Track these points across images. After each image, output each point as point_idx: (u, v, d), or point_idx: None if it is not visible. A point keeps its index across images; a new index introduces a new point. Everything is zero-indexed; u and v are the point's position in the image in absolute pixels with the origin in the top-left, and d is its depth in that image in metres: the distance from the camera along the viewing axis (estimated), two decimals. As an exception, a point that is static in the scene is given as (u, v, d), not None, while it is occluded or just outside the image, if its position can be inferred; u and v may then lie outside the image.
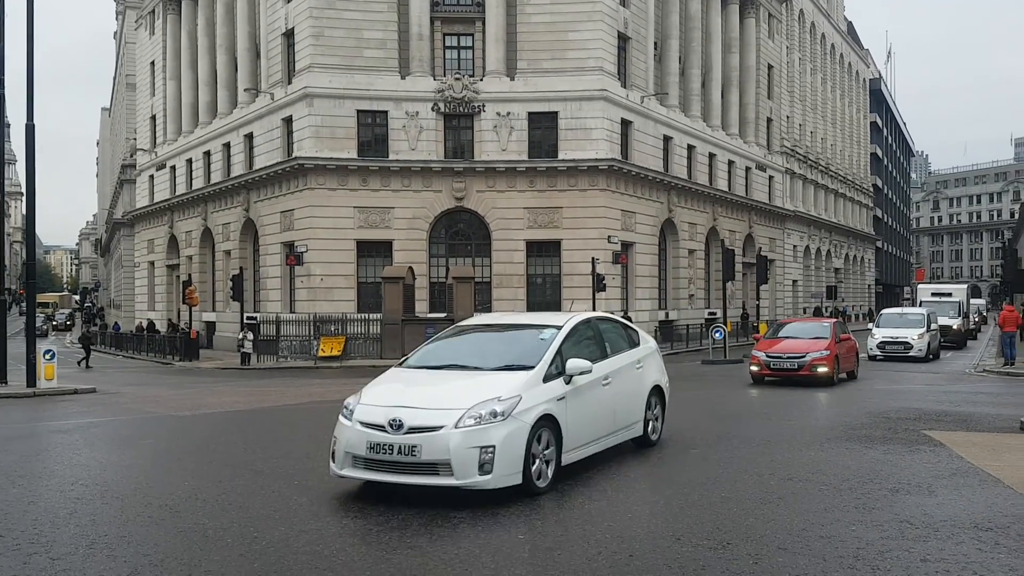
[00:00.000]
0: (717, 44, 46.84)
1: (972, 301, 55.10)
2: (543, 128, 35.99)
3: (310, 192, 35.15)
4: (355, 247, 35.21)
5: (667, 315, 41.22)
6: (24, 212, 25.30)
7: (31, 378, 20.47)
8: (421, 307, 33.62)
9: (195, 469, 9.40)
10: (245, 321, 34.04)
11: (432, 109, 35.41)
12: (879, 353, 28.37)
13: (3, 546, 6.38)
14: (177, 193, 47.83)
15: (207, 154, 44.24)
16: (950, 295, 42.00)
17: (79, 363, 33.19)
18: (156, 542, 6.44)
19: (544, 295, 35.93)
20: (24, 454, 11.03)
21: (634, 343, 10.16)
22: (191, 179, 46.31)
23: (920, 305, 37.31)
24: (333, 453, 7.73)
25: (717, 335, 29.52)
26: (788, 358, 19.27)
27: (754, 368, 19.89)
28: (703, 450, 10.43)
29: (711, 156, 46.14)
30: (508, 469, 7.21)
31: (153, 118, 53.19)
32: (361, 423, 7.52)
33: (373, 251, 35.37)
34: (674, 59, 42.80)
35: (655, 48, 41.46)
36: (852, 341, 21.60)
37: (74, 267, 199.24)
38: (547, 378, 7.97)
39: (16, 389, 20.10)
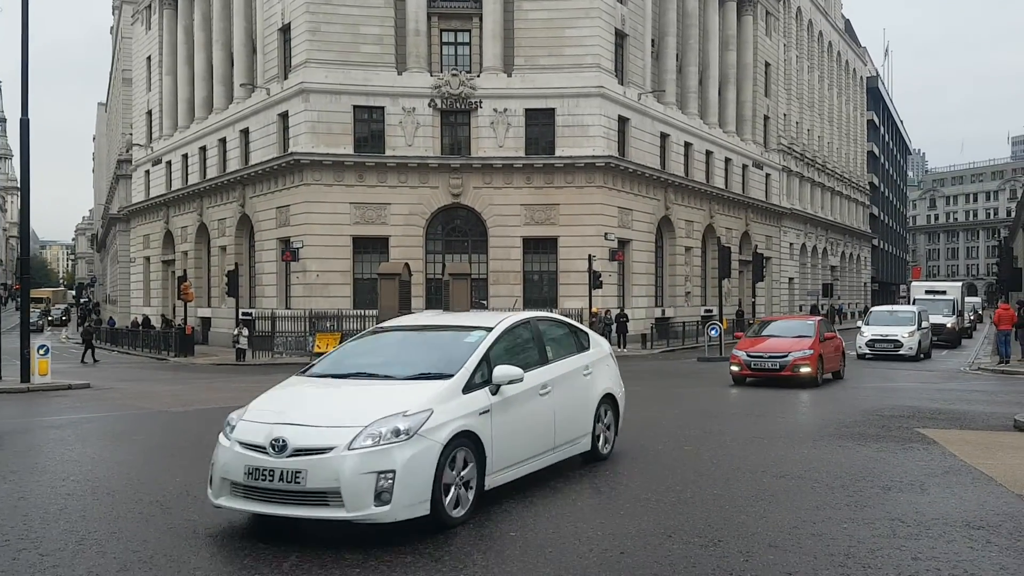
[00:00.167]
0: (714, 41, 46.82)
1: (968, 299, 55.05)
2: (540, 125, 35.94)
3: (306, 188, 35.09)
4: (351, 243, 35.16)
5: (663, 313, 41.23)
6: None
7: (25, 374, 20.44)
8: (417, 304, 33.54)
9: (187, 465, 9.37)
10: (240, 317, 33.98)
11: (429, 105, 35.35)
12: (868, 352, 27.94)
13: (-8, 542, 6.35)
14: (173, 188, 47.74)
15: (203, 149, 44.16)
16: (944, 293, 41.37)
17: (83, 359, 33.07)
18: (146, 539, 6.42)
19: (541, 292, 35.91)
20: (16, 450, 11.00)
21: (582, 347, 9.07)
22: (187, 174, 46.21)
23: (914, 303, 36.75)
24: (210, 479, 6.55)
25: (713, 332, 29.56)
26: (770, 358, 18.59)
27: (734, 368, 19.21)
28: (695, 446, 10.43)
29: (708, 154, 46.14)
30: (412, 497, 6.09)
31: (149, 113, 53.10)
32: (240, 443, 6.38)
33: (369, 247, 35.32)
34: (671, 56, 42.77)
35: (652, 45, 41.43)
36: (838, 340, 21.04)
37: (70, 262, 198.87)
38: (469, 388, 6.92)
39: (10, 384, 20.08)
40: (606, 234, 35.54)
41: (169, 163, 48.63)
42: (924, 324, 29.07)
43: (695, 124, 44.63)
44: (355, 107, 35.23)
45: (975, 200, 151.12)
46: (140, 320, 47.16)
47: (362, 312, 32.42)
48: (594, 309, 32.25)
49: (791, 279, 59.62)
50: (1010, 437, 11.30)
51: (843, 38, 76.17)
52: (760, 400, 15.97)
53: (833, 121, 71.87)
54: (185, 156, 46.35)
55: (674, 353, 34.63)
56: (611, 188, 36.55)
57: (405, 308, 31.10)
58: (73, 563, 5.81)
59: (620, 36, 38.20)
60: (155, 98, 51.40)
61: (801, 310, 57.29)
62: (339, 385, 7.24)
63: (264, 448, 6.19)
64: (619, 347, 33.50)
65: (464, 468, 6.62)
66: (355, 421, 6.24)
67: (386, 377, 7.22)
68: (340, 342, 30.78)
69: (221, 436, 6.65)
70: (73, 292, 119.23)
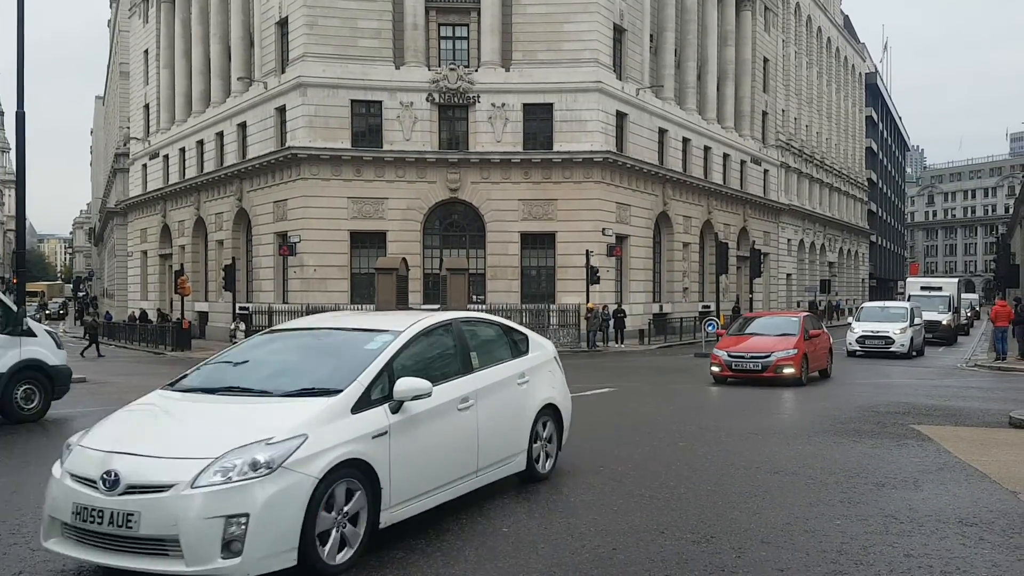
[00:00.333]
0: (713, 37, 46.74)
1: (965, 296, 54.92)
2: (538, 120, 35.88)
3: (303, 182, 35.03)
4: (348, 238, 35.12)
5: (661, 308, 41.24)
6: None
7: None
8: (415, 299, 33.53)
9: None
10: (237, 311, 33.95)
11: (427, 100, 35.28)
12: (859, 349, 27.23)
13: (-17, 536, 6.31)
14: (170, 182, 47.66)
15: (200, 143, 44.07)
16: (940, 289, 40.62)
17: (83, 353, 33.00)
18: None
19: (539, 287, 35.90)
20: (8, 443, 10.97)
21: (519, 351, 7.97)
22: (184, 168, 46.13)
23: (909, 299, 36.09)
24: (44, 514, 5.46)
25: (710, 328, 29.53)
26: (751, 358, 17.75)
27: (715, 368, 18.36)
28: (690, 442, 10.43)
29: (706, 149, 46.09)
30: (272, 546, 4.98)
31: (147, 107, 52.99)
32: (71, 475, 5.30)
33: (367, 242, 35.28)
34: (670, 51, 42.70)
35: (651, 40, 41.35)
36: (824, 336, 20.21)
37: (68, 256, 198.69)
38: (362, 406, 5.76)
39: (6, 378, 19.98)
40: (604, 229, 35.50)
41: (166, 157, 48.54)
42: (917, 320, 28.45)
43: (693, 120, 44.58)
44: (352, 101, 35.16)
45: (973, 197, 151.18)
46: (137, 314, 47.11)
47: (359, 307, 32.38)
48: (589, 304, 32.23)
49: (789, 275, 59.63)
50: (1005, 434, 11.31)
51: (842, 34, 76.08)
52: (755, 396, 15.96)
53: (832, 117, 71.82)
54: (182, 150, 46.26)
55: (671, 349, 34.64)
56: (609, 183, 36.51)
57: (402, 303, 31.09)
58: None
59: (618, 31, 38.12)
60: (152, 92, 51.30)
61: (799, 306, 57.30)
62: (203, 403, 5.99)
63: (95, 482, 5.10)
64: (617, 343, 33.53)
65: (347, 504, 5.46)
66: (205, 451, 5.09)
67: (262, 393, 5.96)
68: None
69: (56, 464, 5.57)
70: (70, 285, 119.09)
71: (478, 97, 35.37)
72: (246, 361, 6.76)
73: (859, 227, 79.72)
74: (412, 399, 6.06)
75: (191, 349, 34.79)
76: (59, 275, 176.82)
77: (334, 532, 5.38)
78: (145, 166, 52.06)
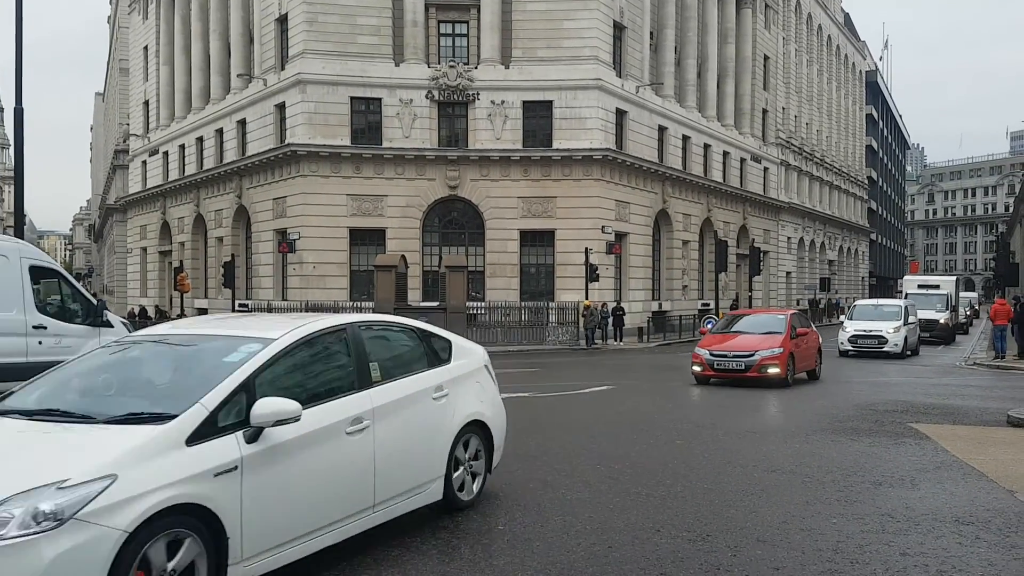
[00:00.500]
0: (713, 34, 46.69)
1: (964, 294, 54.73)
2: (538, 117, 35.86)
3: (303, 179, 35.02)
4: (348, 235, 35.12)
5: (660, 306, 41.23)
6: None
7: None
8: (414, 296, 33.54)
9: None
10: (237, 308, 33.94)
11: (426, 97, 35.26)
12: (851, 348, 26.44)
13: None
14: (170, 179, 47.67)
15: (200, 140, 44.06)
16: (938, 287, 39.54)
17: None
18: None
19: (538, 285, 35.90)
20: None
21: (438, 360, 6.84)
22: (184, 165, 46.12)
23: (906, 297, 35.20)
24: None
25: (708, 326, 29.47)
26: (734, 357, 16.99)
27: (696, 368, 17.55)
28: (687, 440, 10.42)
29: (706, 147, 46.06)
30: None
31: (146, 103, 52.97)
32: None
33: (366, 239, 35.27)
34: (670, 49, 42.66)
35: (651, 38, 41.32)
36: (813, 335, 19.28)
37: (68, 253, 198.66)
38: (203, 435, 4.60)
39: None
40: (603, 227, 35.48)
41: (166, 153, 48.53)
42: (911, 319, 27.68)
43: (693, 117, 44.54)
44: (352, 98, 35.14)
45: (973, 195, 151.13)
46: (136, 311, 47.09)
47: (359, 304, 32.39)
48: (586, 302, 32.19)
49: (788, 273, 59.62)
50: (1003, 432, 11.30)
51: (842, 32, 76.01)
52: (753, 395, 15.94)
53: (832, 115, 71.77)
54: (182, 147, 46.24)
55: (670, 347, 34.61)
56: (608, 181, 36.49)
57: (401, 301, 31.11)
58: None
59: (618, 28, 38.09)
60: (152, 88, 51.27)
61: (799, 304, 57.32)
62: (10, 430, 4.75)
63: None
64: (616, 340, 33.52)
65: (172, 560, 4.28)
66: None
67: (84, 418, 4.80)
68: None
69: None
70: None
71: (478, 94, 35.34)
72: (85, 375, 5.52)
73: (859, 225, 79.71)
74: (274, 424, 4.84)
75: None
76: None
77: None
78: (145, 163, 52.04)
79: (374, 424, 5.75)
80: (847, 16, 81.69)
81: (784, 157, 58.47)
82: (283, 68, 36.65)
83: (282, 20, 37.01)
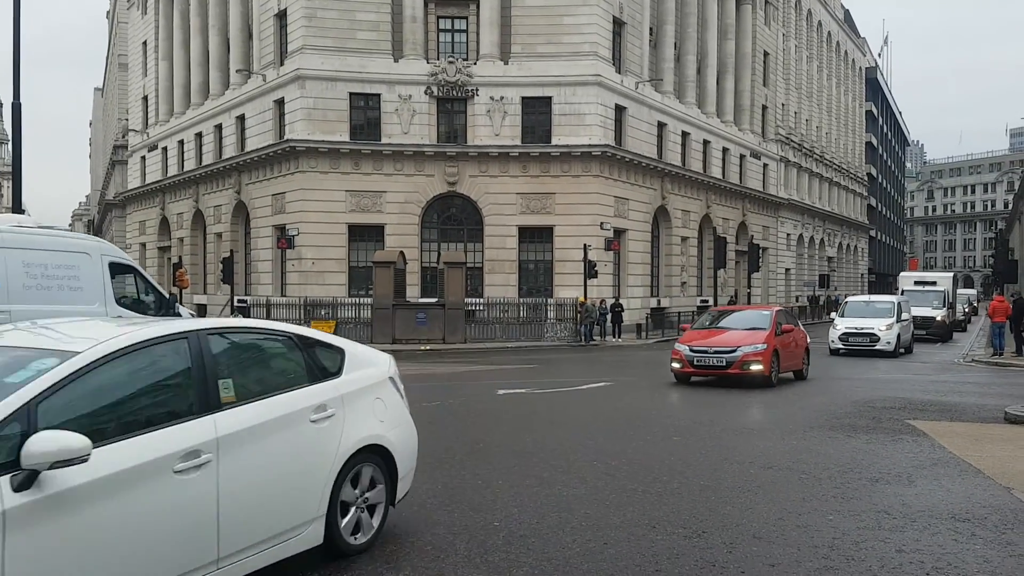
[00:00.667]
0: (713, 30, 46.63)
1: (962, 291, 54.52)
2: (537, 113, 35.82)
3: (302, 175, 34.99)
4: (347, 231, 35.09)
5: (659, 302, 41.21)
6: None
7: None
8: (412, 292, 33.56)
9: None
10: (236, 304, 33.92)
11: (425, 93, 35.21)
12: (841, 346, 25.57)
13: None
14: (169, 175, 47.64)
15: (199, 135, 44.02)
16: (935, 284, 38.30)
17: None
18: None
19: (536, 281, 35.90)
20: None
21: (324, 373, 5.60)
22: (183, 161, 46.08)
23: (902, 294, 34.06)
24: None
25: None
26: (715, 353, 16.23)
27: (675, 365, 16.75)
28: (684, 437, 10.41)
29: (705, 143, 46.02)
30: None
31: (145, 99, 52.90)
32: None
33: (365, 235, 35.25)
34: (669, 45, 42.60)
35: (650, 34, 41.26)
36: (799, 333, 18.55)
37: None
38: None
39: None
40: (602, 223, 35.47)
41: (165, 149, 48.49)
42: (904, 316, 26.85)
43: (693, 113, 44.50)
44: (351, 94, 35.10)
45: (973, 192, 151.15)
46: (135, 306, 47.02)
47: (357, 300, 32.39)
48: (581, 299, 32.14)
49: (788, 270, 59.61)
50: (1000, 429, 11.30)
51: (842, 28, 75.94)
52: (750, 392, 15.95)
53: (831, 111, 71.72)
54: (181, 142, 46.20)
55: (669, 343, 34.47)
56: (607, 177, 36.46)
57: (400, 297, 31.15)
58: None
59: (618, 24, 38.03)
60: (151, 83, 51.20)
61: (797, 301, 57.34)
62: None
63: None
64: (614, 337, 33.50)
65: None
66: None
67: None
68: (334, 330, 30.81)
69: None
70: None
71: (476, 90, 35.29)
72: None
73: (858, 222, 79.71)
74: (52, 466, 3.72)
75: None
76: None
77: None
78: (143, 158, 51.99)
79: (218, 458, 4.58)
80: (847, 12, 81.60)
81: (784, 153, 58.43)
82: (282, 64, 36.60)
83: (281, 16, 36.96)
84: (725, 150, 48.47)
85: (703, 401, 14.47)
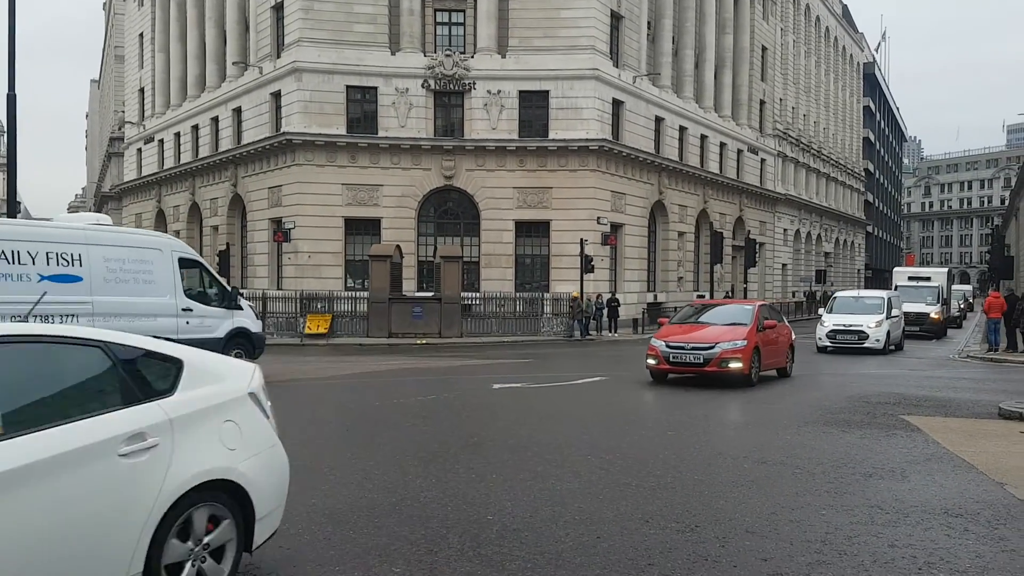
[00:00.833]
0: (711, 25, 46.55)
1: (958, 287, 54.44)
2: (534, 107, 35.75)
3: (298, 168, 34.92)
4: (343, 224, 35.03)
5: (656, 297, 41.22)
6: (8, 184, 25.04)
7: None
8: (409, 286, 33.53)
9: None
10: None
11: (422, 86, 35.13)
12: (829, 344, 24.64)
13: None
14: (165, 167, 47.51)
15: (195, 128, 43.89)
16: (929, 280, 37.39)
17: None
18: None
19: (533, 276, 35.87)
20: None
21: (148, 391, 4.40)
22: (179, 153, 45.97)
23: (895, 289, 33.45)
24: None
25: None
26: (692, 350, 15.42)
27: (651, 361, 15.88)
28: (678, 431, 10.42)
29: (703, 138, 45.98)
30: None
31: (141, 91, 52.73)
32: None
33: (361, 229, 35.20)
34: (667, 39, 42.52)
35: (648, 28, 41.18)
36: (783, 329, 17.75)
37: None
38: None
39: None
40: (599, 218, 35.45)
41: (161, 141, 48.35)
42: (895, 312, 25.97)
43: (690, 108, 44.44)
44: (348, 87, 35.00)
45: (969, 188, 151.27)
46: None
47: (354, 294, 32.34)
48: (573, 294, 32.10)
49: (784, 265, 59.63)
50: (994, 425, 11.32)
51: (840, 23, 75.85)
52: (744, 388, 15.97)
53: (829, 107, 71.69)
54: (177, 135, 46.08)
55: (665, 338, 34.63)
56: (604, 172, 36.42)
57: (396, 290, 31.13)
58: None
59: (616, 18, 37.95)
60: (147, 75, 51.02)
61: (794, 296, 57.39)
62: None
63: None
64: (610, 332, 33.52)
65: None
66: None
67: None
68: (330, 323, 30.79)
69: None
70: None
71: (474, 84, 35.22)
72: None
73: (855, 217, 79.75)
74: None
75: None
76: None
77: None
78: (140, 150, 51.85)
79: None
80: (845, 8, 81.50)
81: (781, 148, 58.40)
82: (279, 56, 36.49)
83: (278, 8, 36.83)
84: (722, 145, 48.43)
85: (697, 397, 14.47)
